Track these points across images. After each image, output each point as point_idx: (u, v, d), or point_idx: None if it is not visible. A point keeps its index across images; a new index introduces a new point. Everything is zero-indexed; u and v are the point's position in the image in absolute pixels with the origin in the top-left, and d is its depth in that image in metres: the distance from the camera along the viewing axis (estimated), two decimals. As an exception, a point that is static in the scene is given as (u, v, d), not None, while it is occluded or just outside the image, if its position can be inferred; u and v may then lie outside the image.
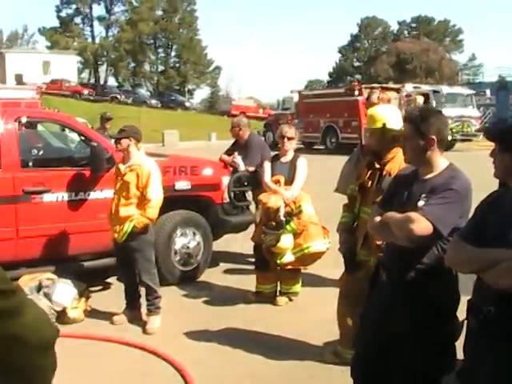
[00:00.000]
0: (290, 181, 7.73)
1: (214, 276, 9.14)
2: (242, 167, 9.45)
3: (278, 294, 8.00)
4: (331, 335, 6.27)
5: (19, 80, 59.10)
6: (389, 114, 5.34)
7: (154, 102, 68.26)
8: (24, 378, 1.29)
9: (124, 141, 7.17)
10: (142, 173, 7.04)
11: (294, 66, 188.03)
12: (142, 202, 7.03)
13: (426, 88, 35.39)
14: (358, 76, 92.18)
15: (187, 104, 73.60)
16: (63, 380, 5.45)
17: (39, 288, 7.64)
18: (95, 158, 8.09)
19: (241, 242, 9.68)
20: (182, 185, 8.91)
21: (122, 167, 7.23)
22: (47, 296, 7.49)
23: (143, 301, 7.38)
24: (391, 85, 34.82)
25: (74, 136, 8.90)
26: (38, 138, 9.85)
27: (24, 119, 8.32)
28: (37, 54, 74.89)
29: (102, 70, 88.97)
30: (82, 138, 8.60)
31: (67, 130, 9.31)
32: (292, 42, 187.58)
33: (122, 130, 7.37)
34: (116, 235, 7.21)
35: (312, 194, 8.03)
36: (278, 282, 8.00)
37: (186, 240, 8.87)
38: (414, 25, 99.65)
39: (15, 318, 1.24)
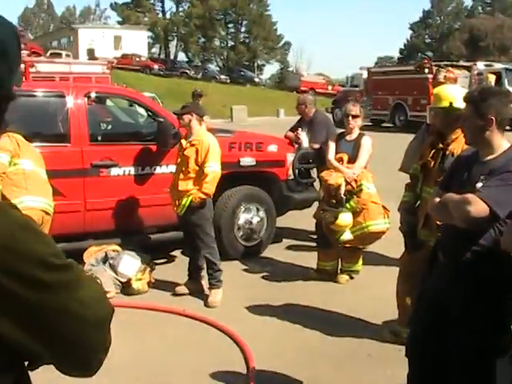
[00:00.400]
0: (353, 159, 7.72)
1: (276, 252, 9.21)
2: (306, 144, 9.45)
3: (339, 271, 8.02)
4: (390, 314, 6.28)
5: (91, 55, 60.12)
6: (455, 94, 5.29)
7: (223, 77, 68.36)
8: (74, 353, 1.33)
9: (186, 116, 7.27)
10: (201, 148, 7.13)
11: (364, 42, 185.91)
12: (200, 176, 7.12)
13: (498, 66, 34.42)
14: (429, 53, 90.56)
15: (256, 79, 73.48)
16: (124, 347, 5.66)
17: (105, 259, 7.86)
18: (162, 134, 8.23)
19: (305, 219, 9.68)
20: (247, 161, 8.98)
21: (183, 142, 7.35)
22: (113, 267, 7.70)
23: (206, 274, 7.50)
24: (462, 63, 34.09)
25: (142, 111, 9.03)
26: (107, 112, 10.05)
27: (93, 94, 8.52)
28: (108, 29, 75.90)
29: (172, 45, 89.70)
30: (149, 113, 8.76)
31: (135, 105, 9.43)
32: (363, 18, 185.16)
33: (184, 106, 7.48)
34: (175, 209, 7.36)
35: (376, 173, 8.00)
36: (339, 260, 8.01)
37: (249, 215, 8.97)
38: (488, 0, 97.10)
39: (69, 292, 1.28)
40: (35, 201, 6.40)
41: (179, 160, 7.44)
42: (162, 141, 8.20)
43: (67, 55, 51.46)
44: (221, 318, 6.63)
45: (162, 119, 8.33)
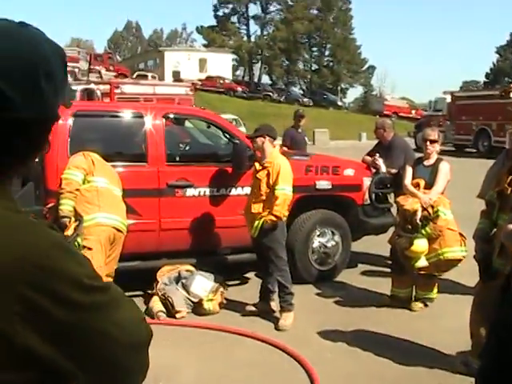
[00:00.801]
0: (430, 184, 7.57)
1: (350, 277, 9.09)
2: (383, 169, 9.34)
3: (413, 298, 7.85)
4: (464, 344, 6.09)
5: (176, 77, 61.22)
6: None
7: (305, 100, 68.48)
8: (109, 375, 1.32)
9: (259, 139, 7.30)
10: (272, 170, 7.13)
11: (449, 66, 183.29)
12: (271, 199, 7.11)
13: None
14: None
15: (339, 103, 73.45)
16: (191, 366, 5.67)
17: (178, 279, 7.93)
18: (237, 156, 8.27)
19: (381, 244, 9.55)
20: (323, 184, 8.92)
21: (256, 165, 7.36)
22: (185, 287, 7.75)
23: (277, 297, 7.46)
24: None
25: (219, 133, 9.11)
26: (184, 133, 10.17)
27: (171, 115, 8.64)
28: (194, 51, 77.27)
29: (257, 67, 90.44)
30: (226, 135, 8.81)
31: (212, 127, 9.50)
32: (447, 41, 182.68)
33: (257, 129, 7.51)
34: (250, 231, 7.37)
35: (454, 199, 7.84)
36: (414, 287, 7.84)
37: (324, 239, 8.89)
38: None
39: (102, 313, 1.28)
40: (107, 218, 6.52)
41: (253, 182, 7.47)
42: (237, 163, 8.24)
43: (153, 77, 52.54)
44: (290, 341, 6.57)
45: (237, 141, 8.37)
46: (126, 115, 8.49)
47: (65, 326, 1.22)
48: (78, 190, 6.55)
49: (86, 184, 6.63)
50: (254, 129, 7.63)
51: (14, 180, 1.39)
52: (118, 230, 6.63)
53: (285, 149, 10.45)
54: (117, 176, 7.00)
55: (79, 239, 6.28)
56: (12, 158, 1.33)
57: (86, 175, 6.63)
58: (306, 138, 13.97)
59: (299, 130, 13.08)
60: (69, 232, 6.27)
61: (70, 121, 7.76)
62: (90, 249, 6.38)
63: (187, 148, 9.47)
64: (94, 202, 6.56)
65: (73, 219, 6.49)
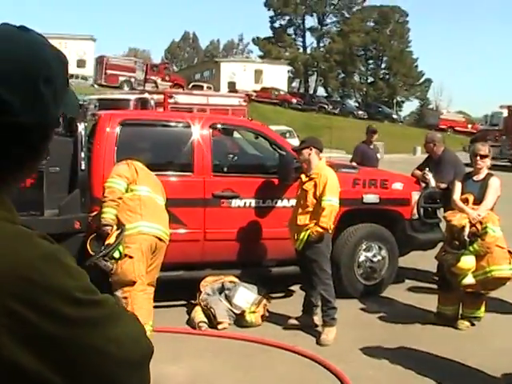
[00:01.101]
0: (479, 200, 7.41)
1: (396, 292, 8.93)
2: (432, 183, 9.18)
3: (459, 317, 7.67)
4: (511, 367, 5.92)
5: (232, 88, 61.65)
6: None
7: (360, 112, 68.13)
8: None
9: (305, 151, 7.26)
10: (319, 181, 7.07)
11: (507, 80, 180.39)
12: (318, 210, 7.03)
13: None
14: None
15: (394, 116, 72.79)
16: (229, 378, 5.63)
17: (221, 290, 7.90)
18: (283, 167, 8.22)
19: (429, 260, 9.37)
20: (371, 198, 8.81)
21: (303, 177, 7.31)
22: (228, 298, 7.72)
23: (320, 311, 7.37)
24: None
25: (266, 144, 9.07)
26: (232, 144, 10.15)
27: (218, 126, 8.64)
28: (250, 63, 77.57)
29: (312, 79, 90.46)
30: (273, 146, 8.76)
31: (260, 138, 9.47)
32: (505, 55, 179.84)
33: (303, 141, 7.49)
34: (294, 243, 7.30)
35: (503, 215, 7.64)
36: (461, 305, 7.67)
37: (370, 254, 8.76)
38: None
39: (97, 329, 1.23)
40: (149, 227, 6.53)
41: (299, 194, 7.42)
42: (284, 174, 8.18)
43: (208, 87, 53.04)
44: (331, 356, 6.47)
45: (284, 152, 8.32)
46: (173, 125, 8.53)
47: (55, 341, 1.18)
48: (120, 198, 6.57)
49: (128, 193, 6.64)
50: (300, 141, 7.57)
51: (12, 188, 1.33)
52: (160, 240, 6.63)
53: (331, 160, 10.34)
54: (160, 185, 7.00)
55: (121, 248, 6.29)
56: (10, 164, 1.29)
57: (129, 184, 6.65)
58: (379, 155, 13.68)
59: (371, 146, 12.91)
60: (110, 240, 6.31)
61: (118, 129, 7.81)
62: (131, 257, 6.37)
63: (234, 158, 9.46)
64: (137, 210, 6.57)
65: (115, 228, 6.52)
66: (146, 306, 6.46)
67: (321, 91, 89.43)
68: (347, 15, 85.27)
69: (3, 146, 1.26)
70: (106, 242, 6.37)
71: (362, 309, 8.26)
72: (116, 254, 6.26)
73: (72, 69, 57.38)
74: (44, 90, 1.28)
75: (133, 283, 6.37)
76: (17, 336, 1.15)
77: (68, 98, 1.40)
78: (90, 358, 1.21)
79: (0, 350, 1.14)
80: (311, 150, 7.24)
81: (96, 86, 53.68)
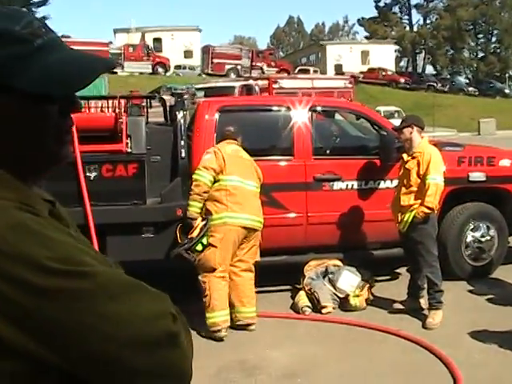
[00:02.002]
0: None
1: (507, 274, 8.56)
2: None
3: None
4: None
5: (338, 70, 61.23)
6: None
7: (471, 89, 66.22)
8: (109, 376, 1.23)
9: (406, 130, 7.08)
10: (422, 160, 6.88)
11: None
12: (422, 190, 6.84)
13: None
14: None
15: (507, 91, 70.24)
16: (333, 363, 5.57)
17: (325, 274, 7.84)
18: (385, 147, 8.05)
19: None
20: (477, 176, 8.49)
21: (405, 156, 7.13)
22: (331, 282, 7.64)
23: (426, 294, 7.19)
24: None
25: (367, 125, 8.91)
26: (332, 126, 10.02)
27: (318, 108, 8.55)
28: (355, 44, 76.78)
29: (420, 58, 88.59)
30: (374, 126, 8.60)
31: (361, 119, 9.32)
32: None
33: (403, 120, 7.32)
34: (398, 225, 7.14)
35: None
36: None
37: (478, 234, 8.46)
38: None
39: (83, 302, 1.18)
40: (235, 217, 6.62)
41: (401, 174, 7.24)
42: (385, 154, 8.01)
43: (315, 71, 52.83)
44: (437, 341, 6.29)
45: (385, 132, 8.14)
46: (272, 109, 8.50)
47: (29, 312, 1.15)
48: (206, 192, 6.68)
49: (216, 183, 6.70)
50: (401, 119, 7.40)
51: (23, 168, 1.31)
52: (249, 228, 6.68)
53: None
54: (253, 169, 6.97)
55: (204, 240, 6.46)
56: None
57: (217, 174, 6.70)
58: None
59: None
60: (194, 234, 6.45)
61: (216, 116, 7.86)
62: (214, 246, 6.53)
63: (334, 141, 9.34)
64: (223, 201, 6.65)
65: (199, 220, 6.63)
66: (222, 290, 6.67)
67: (429, 69, 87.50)
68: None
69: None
70: (189, 236, 6.52)
71: (469, 291, 7.98)
72: (198, 247, 6.50)
73: (179, 59, 58.59)
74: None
75: (213, 270, 6.61)
76: None
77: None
78: (78, 335, 1.17)
79: None
80: (412, 128, 7.05)
81: (203, 75, 54.39)
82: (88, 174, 7.28)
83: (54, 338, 1.17)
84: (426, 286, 7.14)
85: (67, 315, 1.16)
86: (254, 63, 58.20)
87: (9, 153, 1.30)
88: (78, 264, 1.19)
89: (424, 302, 7.22)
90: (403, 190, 7.09)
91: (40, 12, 66.69)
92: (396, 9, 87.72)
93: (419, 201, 6.89)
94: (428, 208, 6.83)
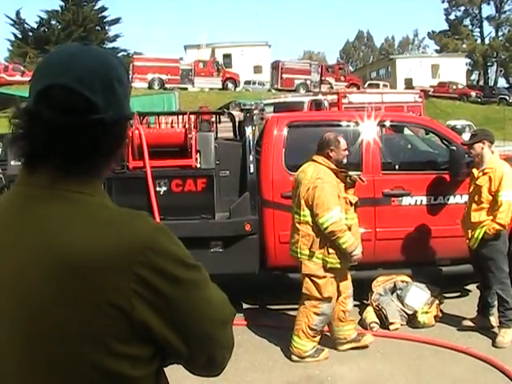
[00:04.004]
0: None
1: None
2: None
3: None
4: None
5: (408, 84, 60.61)
6: None
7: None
8: (205, 350, 1.50)
9: (477, 145, 6.97)
10: (494, 176, 6.77)
11: None
12: (494, 206, 6.74)
13: None
14: None
15: None
16: (400, 380, 5.52)
17: (393, 289, 7.79)
18: (454, 162, 7.95)
19: None
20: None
21: (475, 171, 7.03)
22: (400, 298, 7.60)
23: (496, 312, 7.06)
24: None
25: (437, 140, 8.82)
26: (401, 141, 9.96)
27: (387, 123, 8.52)
28: (426, 58, 75.83)
29: (492, 70, 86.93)
30: (444, 141, 8.52)
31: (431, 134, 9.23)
32: None
33: (474, 134, 7.21)
34: (468, 241, 7.04)
35: None
36: None
37: (552, 251, 8.26)
38: None
39: (198, 290, 1.47)
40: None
41: (471, 190, 7.14)
42: (455, 170, 7.91)
43: (384, 85, 52.48)
44: (508, 360, 6.19)
45: (454, 147, 8.04)
46: (341, 124, 8.48)
47: (170, 301, 1.41)
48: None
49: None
50: (470, 134, 7.30)
51: (104, 175, 1.59)
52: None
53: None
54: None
55: None
56: (102, 153, 1.51)
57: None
58: None
59: None
60: None
61: (285, 131, 7.91)
62: None
63: (403, 156, 9.27)
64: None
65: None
66: None
67: (501, 82, 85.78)
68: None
69: (95, 138, 1.46)
70: None
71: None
72: None
73: (249, 75, 58.97)
74: (118, 88, 1.53)
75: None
76: (144, 299, 1.37)
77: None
78: (192, 316, 1.45)
79: (132, 313, 1.37)
80: (484, 143, 6.96)
81: (273, 90, 54.61)
82: (158, 189, 7.42)
83: (182, 323, 1.44)
84: (496, 303, 7.02)
85: (192, 301, 1.45)
86: (323, 78, 58.12)
87: (111, 164, 1.58)
88: (193, 258, 1.49)
89: (494, 319, 7.10)
90: (474, 206, 6.99)
91: (112, 30, 69.22)
92: (467, 21, 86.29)
93: (490, 217, 6.79)
94: (500, 225, 6.74)
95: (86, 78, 1.46)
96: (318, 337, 6.55)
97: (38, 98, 1.45)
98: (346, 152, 6.76)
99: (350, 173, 6.76)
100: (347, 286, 6.74)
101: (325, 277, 6.41)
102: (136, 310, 1.36)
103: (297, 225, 6.50)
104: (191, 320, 1.45)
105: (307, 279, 6.47)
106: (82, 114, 1.43)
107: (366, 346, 6.69)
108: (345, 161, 6.72)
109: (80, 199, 1.45)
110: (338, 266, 6.39)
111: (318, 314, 6.43)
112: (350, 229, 6.44)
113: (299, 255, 6.47)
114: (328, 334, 6.75)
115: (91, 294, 1.35)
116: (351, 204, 6.67)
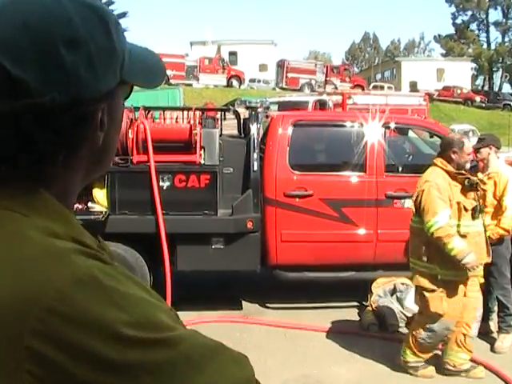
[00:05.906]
0: None
1: None
2: None
3: None
4: None
5: (413, 87, 60.50)
6: None
7: (548, 109, 64.51)
8: None
9: (484, 150, 6.99)
10: (499, 181, 6.78)
11: None
12: (498, 211, 6.73)
13: None
14: None
15: None
16: (395, 378, 5.52)
17: (393, 292, 7.78)
18: (457, 166, 7.93)
19: None
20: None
21: (480, 176, 7.02)
22: (399, 300, 7.60)
23: (496, 317, 7.07)
24: None
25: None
26: (405, 143, 9.95)
27: (391, 125, 8.50)
28: (431, 61, 75.82)
29: (497, 76, 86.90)
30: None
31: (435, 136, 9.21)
32: None
33: (480, 139, 7.21)
34: (472, 245, 7.03)
35: None
36: None
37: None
38: None
39: (163, 377, 0.89)
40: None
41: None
42: (460, 173, 7.89)
43: (389, 87, 52.33)
44: (506, 365, 6.19)
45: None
46: (345, 124, 8.47)
47: None
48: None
49: None
50: (478, 139, 7.30)
51: (72, 189, 1.07)
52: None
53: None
54: None
55: None
56: (44, 159, 0.99)
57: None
58: None
59: None
60: None
61: (290, 130, 7.90)
62: None
63: (407, 158, 9.26)
64: None
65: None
66: None
67: (506, 88, 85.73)
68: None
69: (27, 136, 0.96)
70: None
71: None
72: None
73: (254, 73, 58.94)
74: (68, 56, 0.96)
75: None
76: None
77: (131, 61, 1.08)
78: None
79: None
80: (491, 149, 6.99)
81: (278, 89, 54.57)
82: (161, 184, 7.41)
83: None
84: (496, 308, 7.03)
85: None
86: (328, 78, 58.09)
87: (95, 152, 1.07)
88: (158, 329, 0.92)
89: (494, 324, 7.11)
90: (477, 210, 6.98)
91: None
92: (474, 26, 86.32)
93: (494, 221, 6.79)
94: (504, 230, 6.75)
95: (9, 40, 0.94)
96: (428, 354, 6.19)
97: None
98: (470, 157, 6.35)
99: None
100: (474, 307, 6.14)
101: (434, 290, 5.90)
102: None
103: (411, 233, 6.33)
104: None
105: (418, 291, 6.19)
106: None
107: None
108: (468, 166, 6.23)
109: None
110: (452, 278, 5.89)
111: (425, 329, 6.06)
112: (464, 237, 5.89)
113: (411, 265, 6.20)
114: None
115: None
116: (465, 209, 5.99)
